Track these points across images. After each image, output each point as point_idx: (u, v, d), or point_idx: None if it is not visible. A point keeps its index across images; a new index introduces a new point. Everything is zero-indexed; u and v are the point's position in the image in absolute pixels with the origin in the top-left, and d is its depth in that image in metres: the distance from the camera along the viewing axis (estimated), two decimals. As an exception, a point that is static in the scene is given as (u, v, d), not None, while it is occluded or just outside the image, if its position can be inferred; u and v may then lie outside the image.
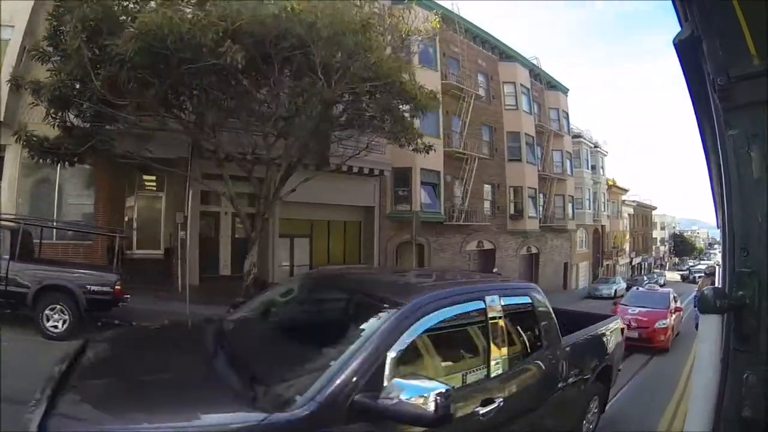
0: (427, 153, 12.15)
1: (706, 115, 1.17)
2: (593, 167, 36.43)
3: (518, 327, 3.02)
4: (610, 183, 38.89)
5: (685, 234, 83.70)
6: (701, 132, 1.23)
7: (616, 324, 4.51)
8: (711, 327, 0.92)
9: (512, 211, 25.14)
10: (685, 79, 1.18)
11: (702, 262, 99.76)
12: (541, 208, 28.30)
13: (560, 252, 31.68)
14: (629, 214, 47.53)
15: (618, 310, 9.73)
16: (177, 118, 9.48)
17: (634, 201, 48.75)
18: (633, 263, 48.93)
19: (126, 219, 13.88)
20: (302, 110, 9.03)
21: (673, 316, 10.56)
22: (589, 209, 34.33)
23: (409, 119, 11.04)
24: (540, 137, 28.94)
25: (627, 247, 47.12)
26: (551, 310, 3.34)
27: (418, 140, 11.41)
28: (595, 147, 36.85)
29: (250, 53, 7.62)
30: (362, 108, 10.29)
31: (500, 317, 2.72)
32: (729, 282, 0.94)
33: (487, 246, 23.98)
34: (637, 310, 10.32)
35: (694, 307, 6.54)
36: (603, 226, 38.17)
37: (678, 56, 1.15)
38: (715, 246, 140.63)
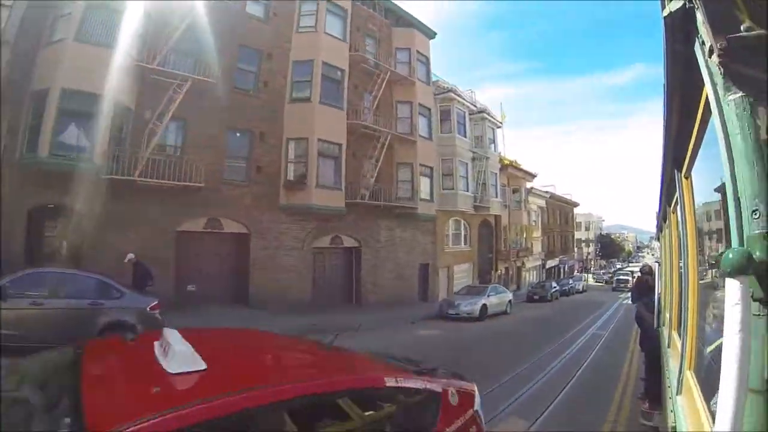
0: None
1: (691, 84, 1.36)
2: (479, 139, 27.21)
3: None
4: (507, 162, 29.80)
5: (612, 236, 78.38)
6: (682, 101, 1.52)
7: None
8: (739, 290, 0.88)
9: (290, 177, 14.75)
10: (667, 53, 1.35)
11: (631, 264, 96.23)
12: (372, 180, 18.26)
13: (413, 248, 22.00)
14: (540, 207, 39.03)
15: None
16: None
17: (546, 191, 40.36)
18: (547, 266, 40.36)
19: None
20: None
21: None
22: (467, 191, 24.77)
23: None
24: (367, 78, 19.11)
25: (538, 246, 38.45)
26: None
27: None
28: (481, 113, 27.68)
29: None
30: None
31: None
32: (745, 246, 0.93)
33: (232, 228, 13.60)
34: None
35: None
36: (498, 217, 28.89)
37: (665, 30, 1.26)
38: (644, 249, 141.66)
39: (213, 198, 13.22)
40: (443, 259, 23.80)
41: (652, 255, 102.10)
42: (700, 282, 2.05)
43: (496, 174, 28.18)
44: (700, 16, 1.07)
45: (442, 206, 23.78)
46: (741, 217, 0.98)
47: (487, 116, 28.10)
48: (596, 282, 51.94)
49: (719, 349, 1.21)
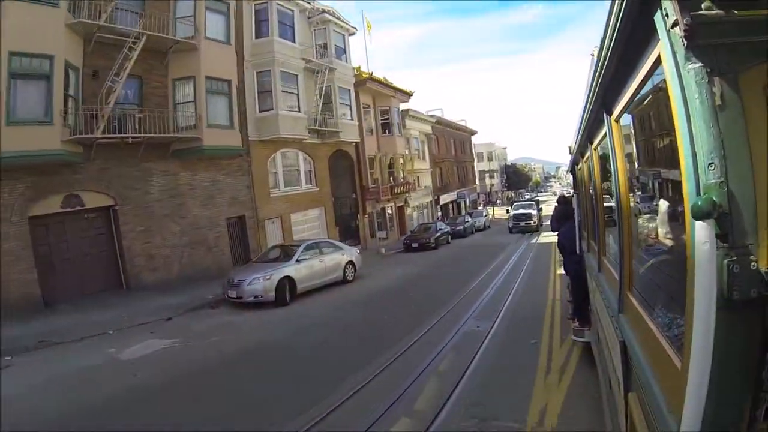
0: None
1: (637, 43, 1.54)
2: (323, 47, 20.70)
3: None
4: (366, 75, 23.53)
5: (518, 166, 77.46)
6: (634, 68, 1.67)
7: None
8: (707, 231, 1.07)
9: None
10: (620, 13, 1.44)
11: (541, 194, 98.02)
12: (110, 105, 11.41)
13: (212, 197, 15.77)
14: (426, 135, 33.91)
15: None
16: None
17: (431, 115, 35.17)
18: (441, 202, 36.10)
19: None
20: None
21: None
22: (299, 111, 18.45)
23: None
24: None
25: (427, 179, 33.74)
26: None
27: None
28: (322, 13, 20.91)
29: None
30: None
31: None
32: (703, 193, 1.08)
33: None
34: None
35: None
36: (358, 145, 23.05)
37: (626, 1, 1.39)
38: (551, 179, 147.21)
39: None
40: (270, 208, 17.69)
41: (560, 184, 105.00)
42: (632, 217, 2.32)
43: (349, 91, 21.93)
44: None
45: (259, 134, 17.37)
46: (698, 168, 1.13)
47: (331, 18, 21.30)
48: (505, 216, 49.04)
49: (650, 271, 2.05)
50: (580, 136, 4.10)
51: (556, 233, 6.87)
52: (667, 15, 1.19)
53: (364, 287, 12.99)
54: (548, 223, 9.40)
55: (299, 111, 18.65)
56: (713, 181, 1.07)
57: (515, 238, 24.89)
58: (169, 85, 14.67)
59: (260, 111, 17.65)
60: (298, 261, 11.94)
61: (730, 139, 1.09)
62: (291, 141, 18.63)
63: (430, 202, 34.46)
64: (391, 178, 26.16)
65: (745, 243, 1.05)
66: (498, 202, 58.55)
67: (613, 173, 2.46)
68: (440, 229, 24.07)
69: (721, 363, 1.07)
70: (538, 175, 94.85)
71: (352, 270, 13.92)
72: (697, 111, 1.12)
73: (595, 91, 2.42)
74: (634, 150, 2.22)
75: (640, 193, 2.24)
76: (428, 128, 33.74)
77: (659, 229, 1.89)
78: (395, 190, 25.02)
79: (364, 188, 23.52)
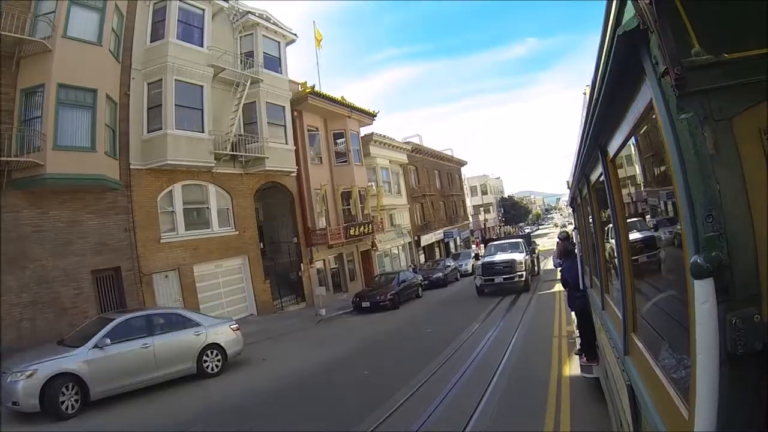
0: None
1: (629, 87, 1.51)
2: (248, 56, 16.51)
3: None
4: (308, 90, 18.92)
5: (516, 198, 72.30)
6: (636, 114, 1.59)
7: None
8: (707, 290, 1.05)
9: None
10: (610, 59, 1.41)
11: (542, 226, 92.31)
12: None
13: (70, 242, 11.88)
14: (403, 165, 29.16)
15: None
16: None
17: (407, 142, 30.55)
18: (423, 243, 30.85)
19: None
20: None
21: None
22: (202, 132, 13.87)
23: None
24: None
25: (404, 217, 28.67)
26: None
27: None
28: (247, 14, 16.81)
29: None
30: None
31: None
32: (702, 247, 1.08)
33: None
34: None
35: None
36: (302, 176, 18.20)
37: (616, 42, 1.30)
38: (552, 211, 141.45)
39: None
40: (161, 257, 13.24)
41: (561, 215, 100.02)
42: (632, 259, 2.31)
43: (283, 108, 17.33)
44: (655, 40, 1.14)
45: (146, 161, 12.98)
46: (696, 221, 1.11)
47: (260, 20, 17.10)
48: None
49: (652, 314, 2.03)
50: (577, 173, 3.98)
51: (559, 269, 6.63)
52: (656, 63, 1.18)
53: (229, 390, 7.97)
54: (550, 267, 7.79)
55: (202, 131, 13.97)
56: (712, 234, 1.08)
57: (487, 308, 14.17)
58: (17, 96, 10.83)
59: (149, 131, 13.17)
60: (99, 347, 6.97)
61: (728, 189, 1.08)
62: (197, 171, 14.05)
63: (410, 243, 29.24)
64: (353, 216, 21.07)
65: (747, 295, 1.05)
66: (495, 238, 53.15)
67: (612, 215, 2.45)
68: (405, 280, 18.19)
69: (728, 417, 1.07)
70: (538, 208, 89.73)
71: (218, 357, 8.88)
72: (693, 163, 1.11)
73: (588, 131, 2.39)
74: (632, 191, 2.29)
75: (639, 235, 2.27)
76: (403, 157, 29.04)
77: (662, 269, 1.92)
78: (351, 232, 19.80)
79: (308, 231, 18.42)
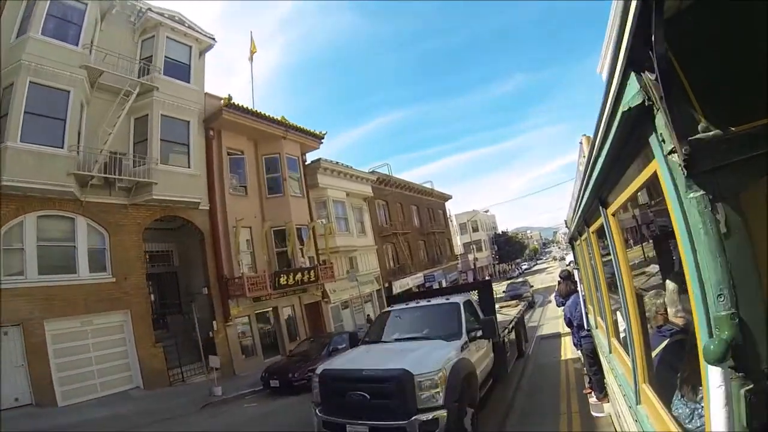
0: None
1: (633, 156, 1.48)
2: (147, 61, 13.45)
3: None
4: (226, 102, 15.38)
5: (511, 233, 68.09)
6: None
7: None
8: (721, 374, 1.04)
9: None
10: (615, 139, 1.40)
11: (539, 261, 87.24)
12: None
13: None
14: (367, 198, 25.38)
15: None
16: None
17: (371, 171, 26.89)
18: (396, 289, 26.48)
19: None
20: None
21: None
22: (61, 146, 10.53)
23: None
24: None
25: (370, 261, 24.54)
26: None
27: None
28: (146, 12, 13.57)
29: None
30: None
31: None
32: (714, 327, 1.05)
33: None
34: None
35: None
36: (215, 211, 14.29)
37: (619, 121, 1.29)
38: (550, 245, 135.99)
39: None
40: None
41: (559, 247, 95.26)
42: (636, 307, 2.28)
43: (187, 124, 13.78)
44: (661, 118, 1.10)
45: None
46: (706, 300, 1.08)
47: (162, 18, 13.92)
48: (499, 292, 37.53)
49: (661, 362, 2.08)
50: (576, 217, 3.82)
51: (562, 308, 6.67)
52: (663, 140, 1.15)
53: None
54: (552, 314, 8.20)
55: (61, 146, 10.38)
56: (724, 313, 1.04)
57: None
58: None
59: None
60: None
61: (738, 267, 1.04)
62: (57, 198, 10.49)
63: (379, 290, 24.87)
64: (290, 260, 16.94)
65: (760, 369, 1.02)
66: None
67: (615, 267, 2.38)
68: (339, 349, 11.43)
69: None
70: (535, 242, 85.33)
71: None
72: (703, 242, 1.08)
73: (587, 183, 2.35)
74: (632, 242, 2.35)
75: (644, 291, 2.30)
76: (367, 189, 25.31)
77: (670, 317, 1.96)
78: (282, 281, 15.57)
79: (222, 279, 14.25)
